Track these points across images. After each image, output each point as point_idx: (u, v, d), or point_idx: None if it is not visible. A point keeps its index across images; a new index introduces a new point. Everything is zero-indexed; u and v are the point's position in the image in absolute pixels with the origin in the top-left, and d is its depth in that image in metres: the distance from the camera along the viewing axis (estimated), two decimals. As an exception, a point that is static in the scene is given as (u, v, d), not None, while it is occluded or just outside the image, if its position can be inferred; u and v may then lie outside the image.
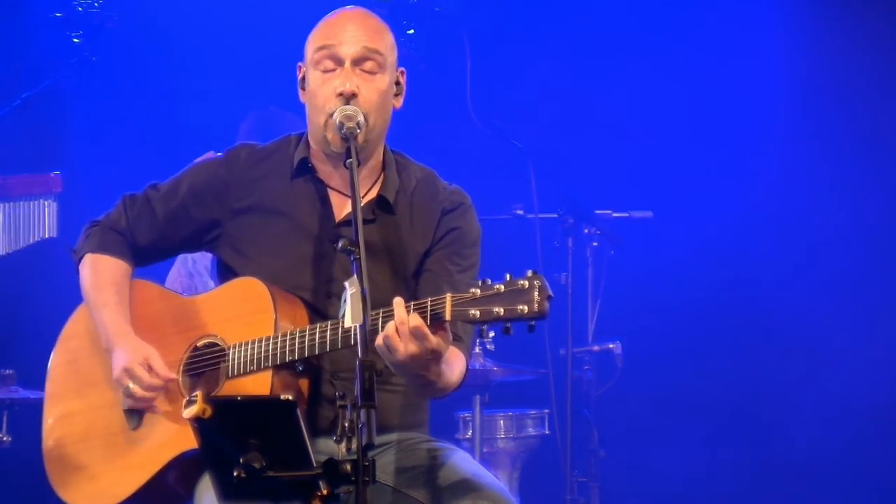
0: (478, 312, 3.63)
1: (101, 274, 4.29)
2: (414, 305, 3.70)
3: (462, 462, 4.05)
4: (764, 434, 7.62)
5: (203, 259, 6.23)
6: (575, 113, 7.71)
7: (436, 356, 3.74)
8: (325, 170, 4.21)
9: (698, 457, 7.59)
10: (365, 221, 3.86)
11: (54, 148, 7.22)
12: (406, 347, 3.69)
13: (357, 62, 4.08)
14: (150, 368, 4.09)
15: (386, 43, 4.15)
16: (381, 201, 4.19)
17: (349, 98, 4.04)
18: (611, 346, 7.06)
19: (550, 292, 3.62)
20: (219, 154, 4.41)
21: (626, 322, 7.33)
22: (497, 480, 4.03)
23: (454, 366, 3.95)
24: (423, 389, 3.96)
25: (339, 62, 4.08)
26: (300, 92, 4.21)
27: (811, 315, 7.62)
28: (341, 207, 4.20)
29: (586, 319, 7.09)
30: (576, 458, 6.92)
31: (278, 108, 6.54)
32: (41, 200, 6.16)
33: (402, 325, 3.67)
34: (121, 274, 4.31)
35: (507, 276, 3.64)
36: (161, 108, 7.50)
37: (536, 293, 3.60)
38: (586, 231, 7.07)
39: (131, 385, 4.08)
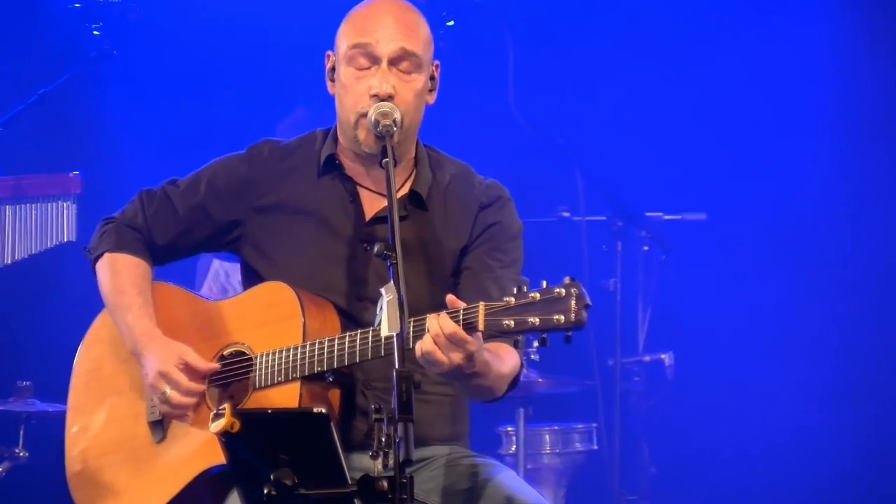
0: (512, 322, 3.57)
1: (121, 275, 4.20)
2: (446, 314, 3.66)
3: (507, 480, 4.00)
4: (831, 452, 7.44)
5: (236, 273, 6.19)
6: (623, 109, 7.62)
7: (479, 349, 3.68)
8: (353, 167, 4.14)
9: (755, 474, 7.47)
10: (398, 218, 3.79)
11: (73, 146, 7.13)
12: (450, 358, 3.63)
13: (394, 62, 4.01)
14: (186, 366, 3.99)
15: (423, 41, 4.07)
16: (413, 197, 4.13)
17: (384, 100, 3.97)
18: (662, 356, 6.98)
19: (588, 301, 3.54)
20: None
21: (677, 331, 7.25)
22: (543, 499, 3.97)
23: (504, 358, 3.87)
24: (473, 388, 3.87)
25: (374, 61, 4.01)
26: (328, 83, 4.14)
27: (881, 320, 7.51)
28: (372, 205, 4.12)
29: (636, 328, 7.03)
30: (625, 475, 6.88)
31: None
32: (59, 202, 6.13)
33: (439, 336, 3.62)
34: (141, 274, 4.22)
35: (544, 284, 3.57)
36: (187, 103, 7.44)
37: (573, 302, 3.52)
38: (639, 234, 7.03)
39: (168, 391, 3.99)
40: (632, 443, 6.91)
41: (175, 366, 3.98)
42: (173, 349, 4.01)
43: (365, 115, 3.95)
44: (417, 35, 4.04)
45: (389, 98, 3.94)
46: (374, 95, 3.95)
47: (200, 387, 3.99)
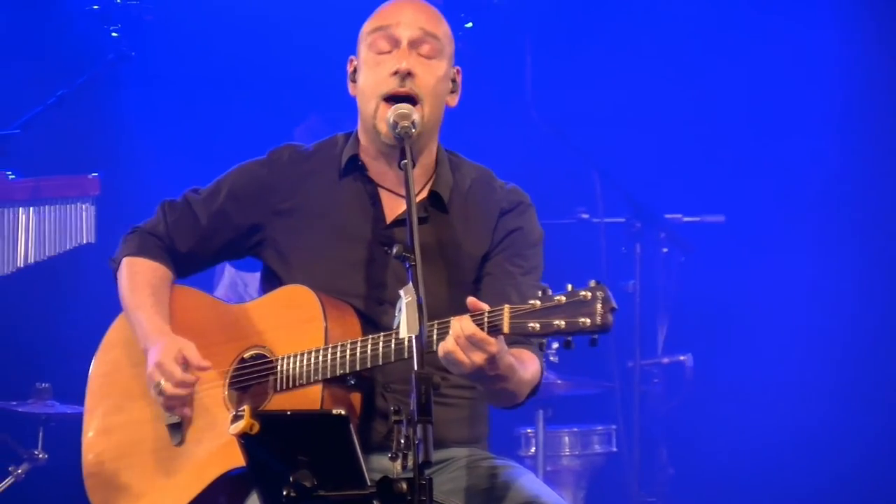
0: (537, 325, 3.56)
1: (137, 276, 4.21)
2: (470, 317, 3.64)
3: (526, 482, 3.97)
4: (852, 454, 7.40)
5: (255, 282, 6.17)
6: (642, 110, 7.61)
7: (501, 352, 3.67)
8: (376, 168, 4.11)
9: (774, 476, 7.43)
10: (418, 220, 3.75)
11: (91, 148, 7.11)
12: (471, 359, 3.63)
13: (414, 44, 4.02)
14: (184, 361, 3.98)
15: (443, 30, 4.09)
16: (433, 198, 4.10)
17: (405, 76, 3.96)
18: (681, 358, 7.01)
19: (614, 304, 3.54)
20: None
21: (697, 333, 7.28)
22: (562, 501, 3.96)
23: (526, 363, 3.86)
24: (497, 392, 3.84)
25: (395, 43, 4.02)
26: (350, 85, 4.13)
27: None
28: (393, 207, 4.11)
29: (655, 330, 7.05)
30: (644, 477, 6.89)
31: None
32: (78, 204, 6.12)
33: (459, 337, 3.61)
34: (158, 276, 4.23)
35: (569, 287, 3.56)
36: (204, 105, 7.44)
37: (599, 305, 3.52)
38: (658, 236, 7.04)
39: (162, 382, 3.98)
40: (651, 445, 6.91)
41: (172, 358, 3.97)
42: (175, 343, 4.01)
43: (386, 98, 3.95)
44: (438, 24, 4.07)
45: (409, 75, 3.94)
46: (395, 73, 3.96)
47: (192, 379, 3.97)
